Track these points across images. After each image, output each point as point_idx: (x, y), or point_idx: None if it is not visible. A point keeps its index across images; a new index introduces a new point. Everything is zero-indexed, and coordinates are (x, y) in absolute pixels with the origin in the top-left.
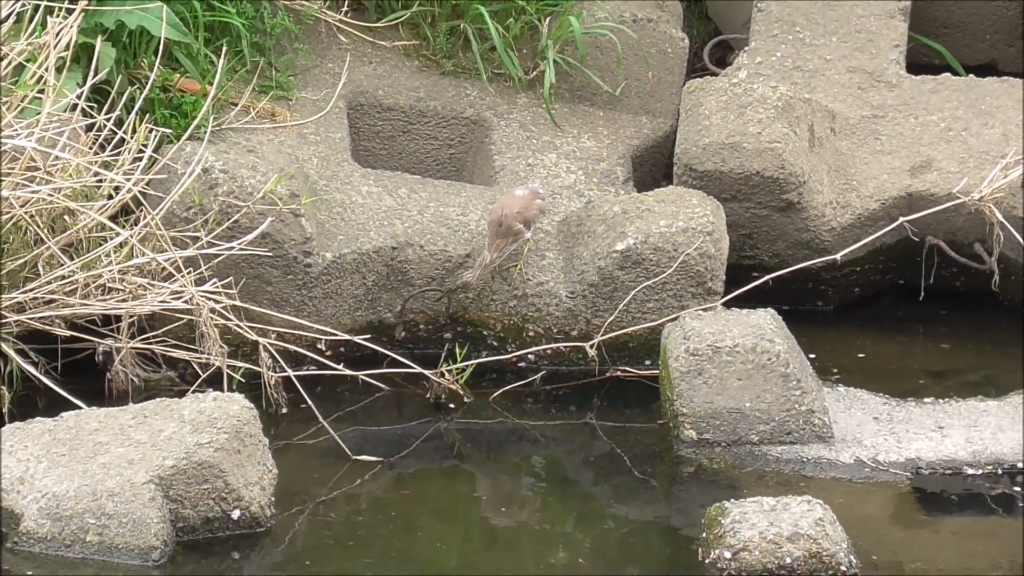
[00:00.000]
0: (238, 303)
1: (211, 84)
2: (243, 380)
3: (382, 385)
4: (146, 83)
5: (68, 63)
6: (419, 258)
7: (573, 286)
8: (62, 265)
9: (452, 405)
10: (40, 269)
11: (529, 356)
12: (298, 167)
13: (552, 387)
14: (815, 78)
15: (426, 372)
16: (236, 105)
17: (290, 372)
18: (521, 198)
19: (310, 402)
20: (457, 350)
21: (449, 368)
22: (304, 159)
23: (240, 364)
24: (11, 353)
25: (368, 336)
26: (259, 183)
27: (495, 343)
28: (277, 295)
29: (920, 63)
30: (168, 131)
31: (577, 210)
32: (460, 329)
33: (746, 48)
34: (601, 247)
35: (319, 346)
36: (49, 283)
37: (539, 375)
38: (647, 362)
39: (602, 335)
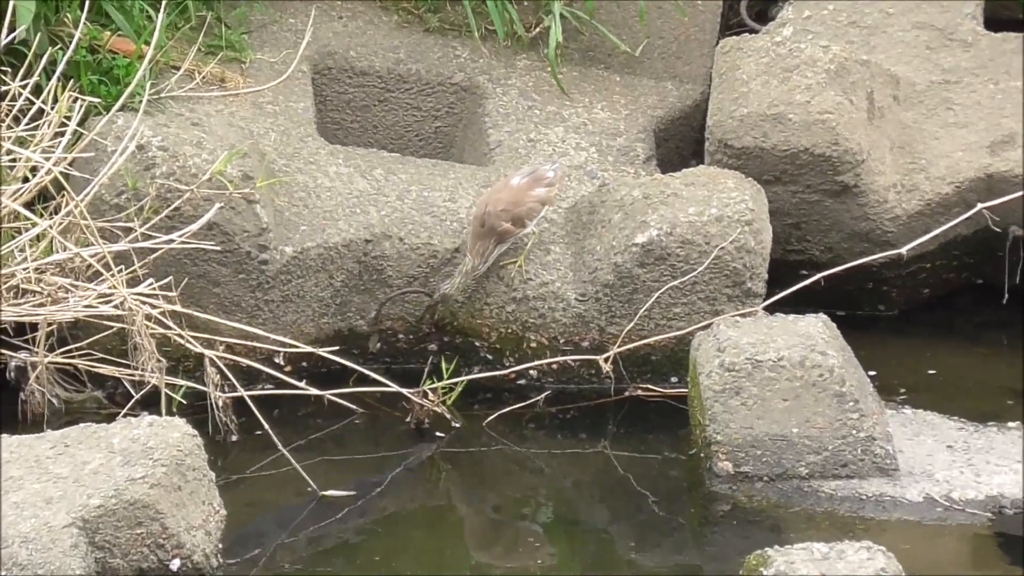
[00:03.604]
0: (179, 308)
1: (148, 44)
2: (184, 401)
3: (353, 407)
4: (69, 42)
5: None
6: (398, 253)
7: (584, 287)
8: None
9: (437, 431)
10: None
11: (531, 372)
12: (252, 143)
13: (559, 409)
14: (874, 36)
15: (406, 391)
16: (178, 69)
17: (242, 391)
18: (515, 189)
19: (267, 427)
20: (443, 365)
21: (434, 387)
22: (260, 134)
23: (181, 382)
24: None
25: (336, 348)
26: (205, 163)
27: (489, 356)
28: (227, 298)
29: (1000, 18)
30: (96, 100)
31: (589, 195)
32: (447, 339)
33: (791, 0)
34: (618, 240)
35: (277, 360)
36: None
37: (543, 395)
38: (673, 379)
39: (619, 346)
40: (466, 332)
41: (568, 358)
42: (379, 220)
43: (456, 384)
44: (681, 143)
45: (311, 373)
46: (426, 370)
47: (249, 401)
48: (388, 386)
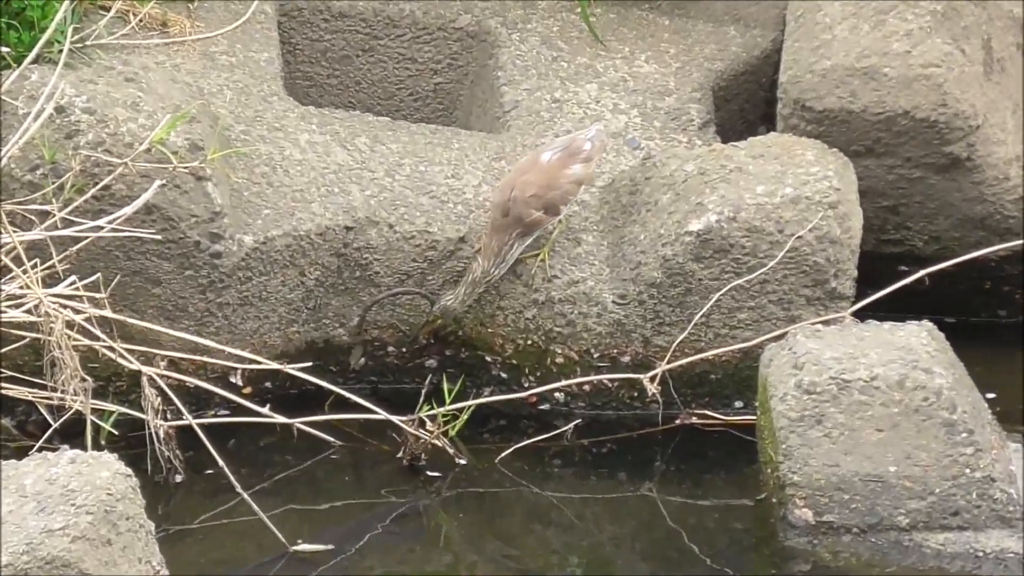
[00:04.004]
0: (109, 314)
1: None
2: (116, 432)
3: (330, 439)
4: None
5: None
6: (387, 244)
7: (624, 287)
8: None
9: (437, 470)
10: None
11: (556, 395)
12: (202, 104)
13: (592, 442)
14: None
15: (397, 419)
16: (108, 10)
17: (190, 419)
18: (546, 167)
19: (221, 464)
20: (445, 386)
21: (433, 413)
22: (212, 92)
23: (112, 407)
24: None
25: (309, 364)
26: (142, 129)
27: (504, 374)
28: (170, 301)
29: None
30: (4, 50)
31: (630, 170)
32: (450, 353)
33: None
34: (667, 227)
35: (233, 379)
36: None
37: (572, 424)
38: (738, 403)
39: (668, 362)
40: (474, 344)
41: (604, 377)
42: (363, 202)
43: (461, 410)
44: (747, 104)
45: (277, 396)
46: (423, 392)
47: (199, 431)
48: (375, 412)
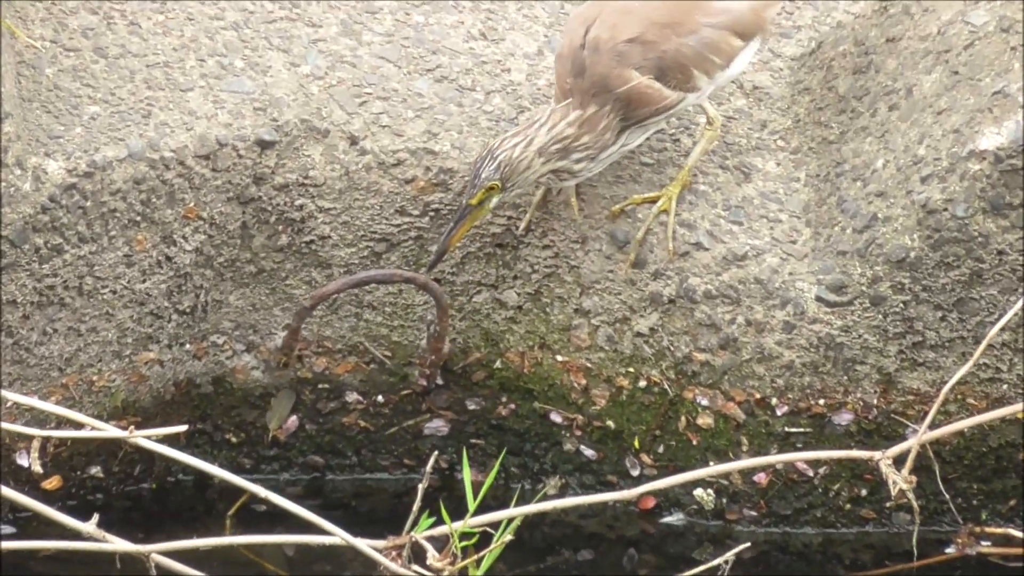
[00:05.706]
0: None
1: None
2: None
3: None
4: None
5: None
6: (347, 178)
7: (842, 267)
8: None
9: None
10: None
11: (698, 493)
12: None
13: None
14: None
15: (365, 546)
16: None
17: None
18: None
19: None
20: (467, 475)
21: (437, 532)
22: None
23: None
24: None
25: (182, 428)
26: None
27: (588, 450)
28: None
29: None
30: None
31: (853, 24)
32: (476, 408)
33: None
34: (932, 141)
35: (24, 460)
36: None
37: (732, 554)
38: None
39: (932, 425)
40: (527, 386)
41: (798, 457)
42: (295, 89)
43: (498, 526)
44: None
45: (116, 496)
46: (420, 489)
47: None
48: (322, 531)
